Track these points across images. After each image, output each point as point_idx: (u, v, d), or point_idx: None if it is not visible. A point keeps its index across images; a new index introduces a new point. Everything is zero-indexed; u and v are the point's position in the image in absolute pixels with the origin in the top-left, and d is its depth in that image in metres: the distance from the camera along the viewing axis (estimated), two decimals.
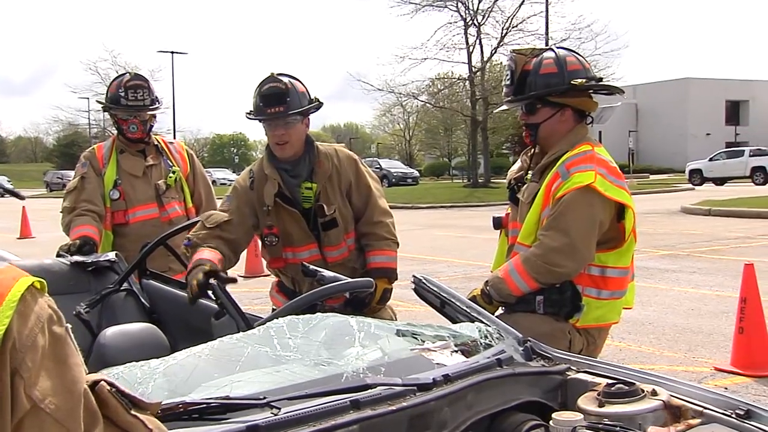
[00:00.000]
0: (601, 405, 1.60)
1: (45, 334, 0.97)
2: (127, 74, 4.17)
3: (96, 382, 1.05)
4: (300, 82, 3.17)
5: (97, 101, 4.73)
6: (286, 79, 3.10)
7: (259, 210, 3.19)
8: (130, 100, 4.02)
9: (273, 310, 3.14)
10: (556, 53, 2.87)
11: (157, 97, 4.15)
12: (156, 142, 4.23)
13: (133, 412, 1.07)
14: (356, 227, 3.28)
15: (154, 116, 4.18)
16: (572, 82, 2.78)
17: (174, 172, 4.17)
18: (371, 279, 2.41)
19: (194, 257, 2.93)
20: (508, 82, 2.94)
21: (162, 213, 4.01)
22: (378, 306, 3.18)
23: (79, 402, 0.99)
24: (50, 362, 0.97)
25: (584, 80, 2.79)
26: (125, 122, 4.06)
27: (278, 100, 3.06)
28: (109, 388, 1.06)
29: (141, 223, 3.95)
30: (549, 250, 2.66)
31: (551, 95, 2.82)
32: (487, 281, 2.82)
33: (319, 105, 3.19)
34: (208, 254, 2.93)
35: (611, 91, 2.99)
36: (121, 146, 4.13)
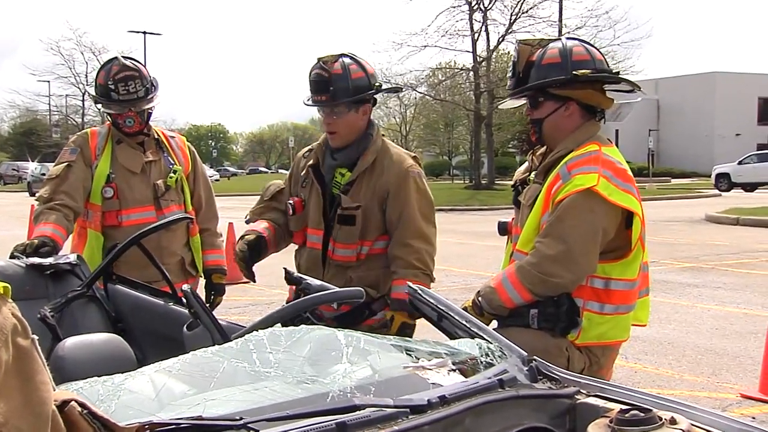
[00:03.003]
0: None
1: (9, 348, 0.95)
2: (116, 62, 4.01)
3: (65, 402, 1.03)
4: (360, 65, 3.24)
5: (89, 95, 4.58)
6: (338, 65, 3.18)
7: (300, 181, 3.44)
8: (121, 94, 3.94)
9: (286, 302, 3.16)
10: (563, 43, 2.90)
11: (152, 84, 4.08)
12: (156, 135, 4.17)
13: None
14: (388, 247, 3.30)
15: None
16: (574, 72, 2.79)
17: (175, 172, 4.11)
18: (361, 288, 2.41)
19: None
20: (510, 75, 2.99)
21: (159, 217, 3.89)
22: None
23: (46, 425, 0.96)
24: (14, 380, 0.95)
25: (588, 71, 2.81)
26: (120, 116, 4.00)
27: (322, 89, 3.19)
28: (80, 409, 1.04)
29: (135, 227, 3.74)
30: (544, 259, 2.67)
31: (552, 87, 2.85)
32: (479, 291, 2.84)
33: (375, 92, 3.27)
34: (256, 225, 3.38)
35: (624, 84, 2.99)
36: (117, 136, 4.06)
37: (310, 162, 3.38)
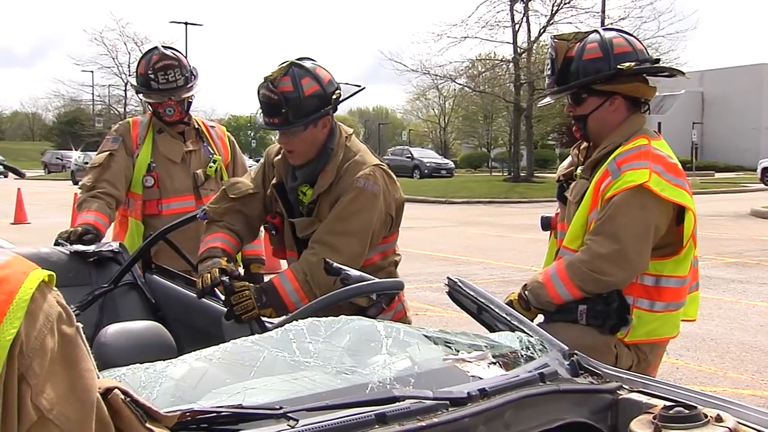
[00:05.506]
0: (657, 430, 1.57)
1: (54, 336, 0.97)
2: (156, 51, 4.08)
3: (109, 390, 1.04)
4: (313, 75, 2.89)
5: (130, 84, 4.67)
6: (287, 81, 2.85)
7: (273, 198, 3.12)
8: (161, 83, 4.01)
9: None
10: (601, 36, 2.85)
11: (192, 73, 4.13)
12: (196, 125, 4.23)
13: (148, 425, 1.07)
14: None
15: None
16: (618, 66, 2.75)
17: (215, 161, 4.17)
18: (401, 280, 2.41)
19: (206, 240, 2.98)
20: (549, 72, 2.94)
21: (198, 206, 3.88)
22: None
23: (91, 412, 0.98)
24: (59, 367, 0.96)
25: (633, 63, 2.76)
26: (160, 105, 4.06)
27: (272, 112, 2.88)
28: (123, 397, 1.05)
29: (175, 216, 3.77)
30: (596, 257, 2.64)
31: (596, 83, 2.80)
32: (525, 285, 2.83)
33: (332, 107, 2.93)
34: (221, 241, 2.95)
35: (668, 72, 2.96)
36: (159, 125, 4.13)
37: (273, 181, 3.07)
